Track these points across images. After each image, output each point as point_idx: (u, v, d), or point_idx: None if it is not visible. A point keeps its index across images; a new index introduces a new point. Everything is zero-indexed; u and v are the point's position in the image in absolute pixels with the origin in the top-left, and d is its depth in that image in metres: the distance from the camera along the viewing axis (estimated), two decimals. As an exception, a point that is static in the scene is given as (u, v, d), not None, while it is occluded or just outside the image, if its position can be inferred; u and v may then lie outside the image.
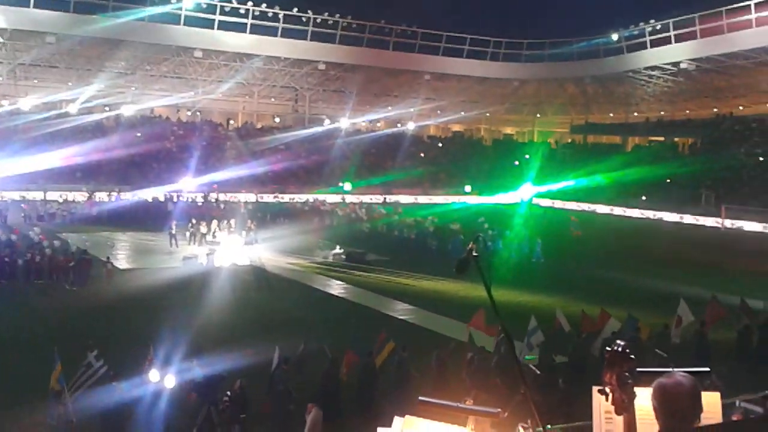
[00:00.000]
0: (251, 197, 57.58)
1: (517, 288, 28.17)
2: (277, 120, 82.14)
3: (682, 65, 65.42)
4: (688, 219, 57.86)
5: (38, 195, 51.70)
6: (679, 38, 65.20)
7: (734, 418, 3.52)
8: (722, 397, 3.22)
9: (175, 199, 52.10)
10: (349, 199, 61.49)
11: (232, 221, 41.24)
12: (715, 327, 20.54)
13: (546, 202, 69.19)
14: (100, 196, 53.19)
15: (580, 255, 38.89)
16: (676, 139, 76.17)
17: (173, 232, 38.50)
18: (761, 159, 62.56)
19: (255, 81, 73.67)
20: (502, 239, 40.17)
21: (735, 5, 58.30)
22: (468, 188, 69.24)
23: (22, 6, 55.89)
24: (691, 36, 64.00)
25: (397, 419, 3.17)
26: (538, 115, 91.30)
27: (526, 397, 3.21)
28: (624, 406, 2.90)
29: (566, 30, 77.87)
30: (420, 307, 26.08)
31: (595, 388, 3.07)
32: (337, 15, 68.82)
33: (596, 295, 26.34)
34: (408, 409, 3.14)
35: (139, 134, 63.91)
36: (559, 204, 67.92)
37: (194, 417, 14.20)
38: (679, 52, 65.23)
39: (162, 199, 52.72)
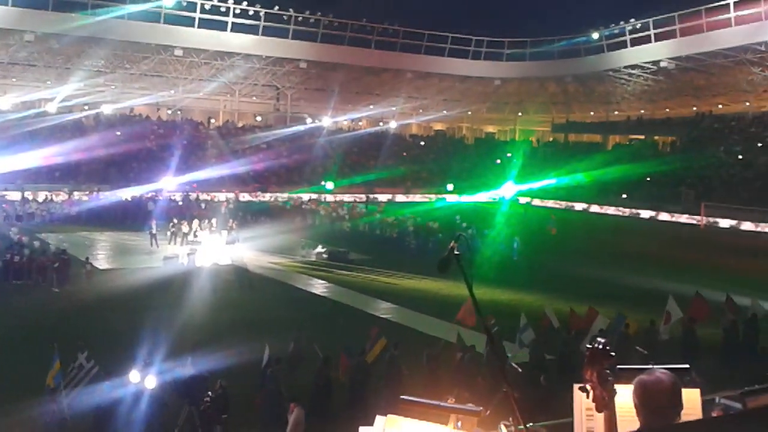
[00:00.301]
0: (232, 196, 57.27)
1: (499, 286, 28.25)
2: (259, 119, 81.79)
3: (662, 64, 65.90)
4: (668, 217, 58.29)
5: (17, 195, 51.15)
6: (659, 37, 65.74)
7: (714, 415, 3.54)
8: (702, 393, 3.23)
9: (155, 198, 51.69)
10: (331, 198, 61.38)
11: (214, 220, 40.93)
12: (701, 323, 20.69)
13: (525, 200, 69.41)
14: (80, 195, 52.70)
15: (558, 252, 39.01)
16: (656, 138, 76.68)
17: (154, 231, 38.18)
18: (740, 157, 63.14)
19: (236, 79, 73.32)
20: (480, 237, 40.19)
21: (714, 4, 58.85)
22: (450, 187, 69.34)
23: (-1, 4, 55.36)
24: (670, 35, 64.55)
25: (379, 418, 3.16)
26: (520, 114, 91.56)
27: (508, 396, 3.21)
28: (604, 404, 2.90)
29: (547, 29, 78.45)
30: (402, 306, 26.10)
31: (576, 386, 3.07)
32: (319, 13, 68.75)
33: (578, 292, 26.53)
34: (392, 408, 3.13)
35: (119, 133, 63.27)
36: (537, 202, 68.22)
37: (175, 417, 14.13)
38: (659, 51, 65.74)
39: (142, 198, 52.30)
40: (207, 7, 63.23)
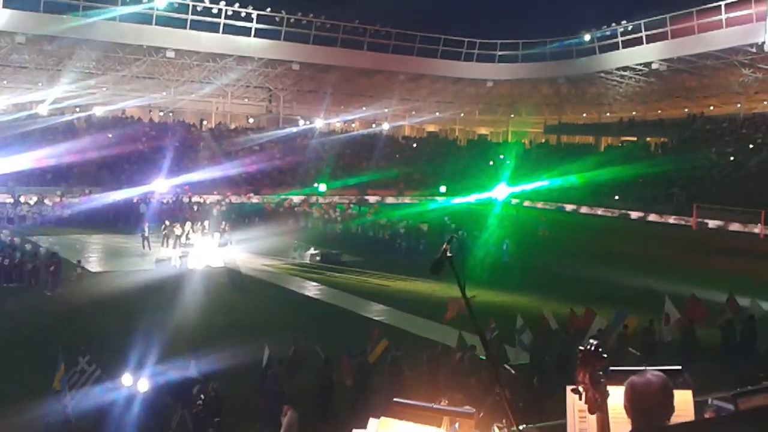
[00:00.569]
0: (225, 198, 57.14)
1: (491, 288, 28.24)
2: (251, 120, 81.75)
3: (654, 65, 66.19)
4: (660, 218, 58.45)
5: (8, 197, 50.94)
6: (651, 39, 66.02)
7: (706, 416, 3.54)
8: (695, 395, 3.23)
9: (147, 201, 51.52)
10: (324, 200, 61.29)
11: (206, 223, 40.84)
12: (699, 324, 20.73)
13: (516, 202, 69.45)
14: (71, 197, 52.50)
15: (550, 253, 39.01)
16: (648, 139, 76.92)
17: (146, 234, 38.08)
18: (732, 158, 63.39)
19: (228, 81, 73.22)
20: (471, 239, 40.14)
21: (706, 6, 59.10)
22: (443, 188, 69.36)
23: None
24: (662, 36, 64.82)
25: (372, 420, 3.15)
26: (512, 116, 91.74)
27: (501, 397, 3.20)
28: (597, 405, 2.90)
29: (540, 31, 78.56)
30: (395, 308, 26.07)
31: (568, 388, 3.07)
32: (311, 15, 68.73)
33: (572, 293, 26.51)
34: (385, 411, 3.12)
35: (111, 135, 63.17)
36: (528, 203, 68.26)
37: (168, 421, 14.09)
38: (650, 53, 66.01)
39: (134, 200, 52.12)
40: (199, 8, 63.15)
